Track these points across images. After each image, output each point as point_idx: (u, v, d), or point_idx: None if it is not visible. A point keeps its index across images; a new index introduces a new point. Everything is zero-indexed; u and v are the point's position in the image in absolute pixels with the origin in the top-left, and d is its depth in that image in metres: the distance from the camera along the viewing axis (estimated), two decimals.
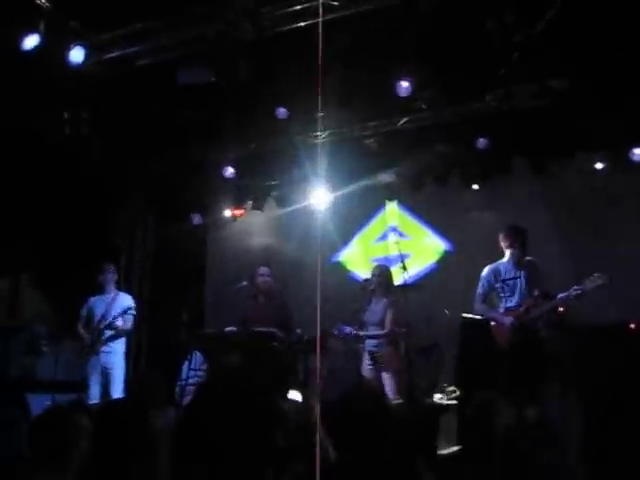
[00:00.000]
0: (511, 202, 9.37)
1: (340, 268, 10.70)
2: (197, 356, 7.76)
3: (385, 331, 6.97)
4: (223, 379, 2.78)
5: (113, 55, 7.95)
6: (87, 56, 7.65)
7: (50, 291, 9.80)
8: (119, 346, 7.79)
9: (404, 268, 7.96)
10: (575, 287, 5.90)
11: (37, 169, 8.75)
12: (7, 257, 9.30)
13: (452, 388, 7.58)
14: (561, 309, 7.54)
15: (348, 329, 7.34)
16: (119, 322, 7.68)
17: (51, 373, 7.78)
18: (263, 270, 7.68)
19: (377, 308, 7.08)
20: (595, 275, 5.89)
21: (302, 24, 7.27)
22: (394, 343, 6.97)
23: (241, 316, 7.57)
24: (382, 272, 7.16)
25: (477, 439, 3.56)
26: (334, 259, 10.72)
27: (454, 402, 7.30)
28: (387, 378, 6.79)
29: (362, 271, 10.26)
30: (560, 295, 6.04)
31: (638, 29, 6.79)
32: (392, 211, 10.48)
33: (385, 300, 7.06)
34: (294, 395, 6.89)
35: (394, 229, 8.64)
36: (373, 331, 7.05)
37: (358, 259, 10.76)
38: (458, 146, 9.60)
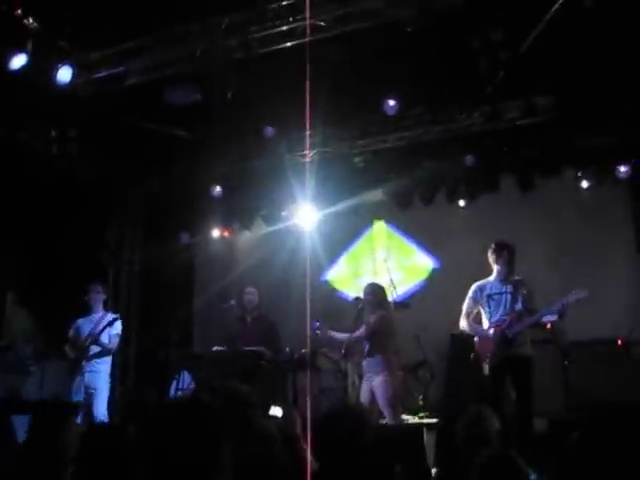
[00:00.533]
0: (499, 219, 9.40)
1: (328, 287, 10.69)
2: (185, 375, 7.72)
3: (355, 334, 6.85)
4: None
5: (101, 75, 7.98)
6: (75, 75, 7.66)
7: (36, 310, 9.73)
8: (104, 366, 7.70)
9: (393, 287, 8.00)
10: (558, 301, 5.93)
11: (24, 187, 8.72)
12: None
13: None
14: (549, 326, 7.58)
15: (317, 324, 7.30)
16: (104, 338, 7.60)
17: (37, 393, 7.70)
18: (249, 290, 7.67)
19: (365, 325, 7.04)
20: (576, 290, 5.93)
21: (289, 44, 7.33)
22: (389, 368, 6.87)
23: (229, 335, 7.54)
24: (373, 290, 7.13)
25: (469, 457, 3.55)
26: (322, 278, 10.70)
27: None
28: (382, 401, 6.71)
29: (350, 290, 10.28)
30: (542, 310, 6.07)
31: (623, 46, 6.87)
32: (380, 229, 10.48)
33: (373, 316, 7.02)
34: (275, 411, 6.89)
35: (382, 248, 8.63)
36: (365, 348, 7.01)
37: (346, 278, 10.75)
38: (445, 164, 9.65)
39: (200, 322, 10.92)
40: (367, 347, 6.88)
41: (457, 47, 7.15)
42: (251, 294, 7.63)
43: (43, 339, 9.01)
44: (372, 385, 6.74)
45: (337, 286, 10.72)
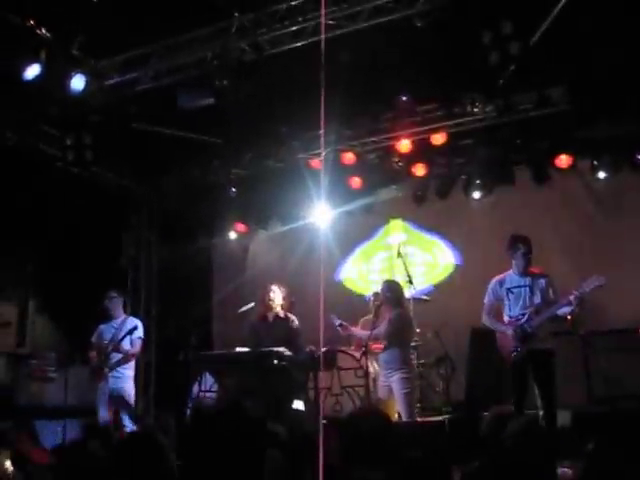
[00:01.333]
0: (515, 211, 9.37)
1: (344, 285, 10.69)
2: (207, 377, 7.75)
3: (374, 332, 6.88)
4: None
5: (113, 81, 8.05)
6: (88, 83, 7.74)
7: (58, 317, 9.83)
8: (128, 371, 7.79)
9: (410, 282, 7.98)
10: (573, 291, 5.90)
11: (41, 195, 8.81)
12: (15, 283, 9.35)
13: None
14: (569, 317, 7.55)
15: (337, 321, 7.36)
16: (126, 345, 7.68)
17: (61, 400, 7.77)
18: (273, 287, 7.65)
19: (384, 322, 7.06)
20: (592, 277, 5.90)
21: (299, 44, 7.35)
22: (407, 364, 6.89)
23: (252, 336, 7.55)
24: (390, 287, 7.13)
25: (494, 454, 3.56)
26: (338, 276, 10.71)
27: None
28: (399, 397, 6.73)
29: (361, 289, 10.29)
30: (560, 301, 6.04)
31: (634, 34, 6.83)
32: (395, 226, 10.44)
33: (391, 313, 7.03)
34: (298, 405, 6.92)
35: (399, 244, 8.60)
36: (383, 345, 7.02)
37: (357, 277, 10.74)
38: (460, 158, 9.64)
39: (219, 323, 10.97)
40: (385, 344, 6.89)
41: (468, 41, 7.12)
42: (272, 291, 7.62)
43: (65, 346, 9.10)
44: (390, 381, 6.76)
45: (353, 283, 10.71)
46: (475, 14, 6.90)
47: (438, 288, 9.94)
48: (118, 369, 7.67)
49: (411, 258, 9.11)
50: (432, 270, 10.19)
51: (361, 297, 9.82)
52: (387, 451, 3.03)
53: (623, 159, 8.81)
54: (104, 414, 7.56)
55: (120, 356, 7.65)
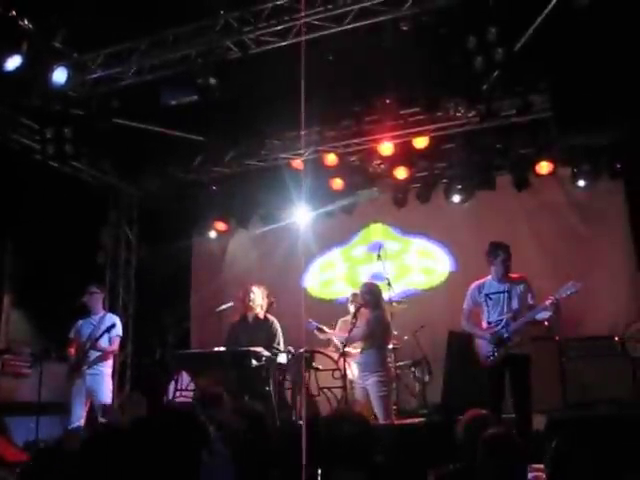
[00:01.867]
0: (495, 217, 9.43)
1: (323, 285, 10.69)
2: (183, 376, 7.70)
3: (352, 334, 6.90)
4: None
5: (96, 75, 7.98)
6: (70, 76, 7.66)
7: (33, 312, 9.71)
8: (106, 368, 7.71)
9: (389, 284, 7.99)
10: (550, 297, 5.95)
11: (19, 188, 8.70)
12: None
13: None
14: (546, 323, 7.60)
15: (314, 324, 7.36)
16: (104, 343, 7.61)
17: (35, 396, 7.68)
18: (253, 288, 7.63)
19: (362, 324, 7.06)
20: (568, 283, 5.95)
21: (284, 43, 7.34)
22: (384, 367, 6.90)
23: (231, 336, 7.52)
24: (369, 289, 7.13)
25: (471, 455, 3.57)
26: (315, 277, 10.69)
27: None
28: (375, 400, 6.73)
29: (345, 288, 10.28)
30: (536, 307, 6.09)
31: (618, 43, 6.89)
32: (377, 229, 10.45)
33: (369, 315, 7.03)
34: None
35: (379, 247, 8.57)
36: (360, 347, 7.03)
37: (341, 276, 10.73)
38: (441, 162, 9.68)
39: (197, 322, 10.92)
40: (362, 346, 6.90)
41: (452, 46, 7.15)
42: (252, 292, 7.59)
43: (40, 341, 8.99)
44: (366, 384, 6.76)
45: (332, 285, 10.69)
46: (460, 19, 6.93)
47: (415, 291, 9.96)
48: (95, 367, 7.59)
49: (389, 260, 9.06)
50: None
51: (332, 302, 9.87)
52: (366, 453, 3.04)
53: (602, 167, 8.90)
54: (79, 412, 7.48)
55: (98, 353, 7.58)
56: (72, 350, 7.68)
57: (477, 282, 6.47)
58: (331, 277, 10.76)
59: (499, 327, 6.12)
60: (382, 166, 9.74)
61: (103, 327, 7.59)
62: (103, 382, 7.63)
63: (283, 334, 7.46)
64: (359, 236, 10.63)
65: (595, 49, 6.94)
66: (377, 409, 6.65)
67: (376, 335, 6.86)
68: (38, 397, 7.28)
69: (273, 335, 7.33)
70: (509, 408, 6.05)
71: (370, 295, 7.01)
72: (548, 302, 5.95)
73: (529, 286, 6.23)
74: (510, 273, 6.29)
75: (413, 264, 10.23)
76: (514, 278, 6.27)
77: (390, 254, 9.25)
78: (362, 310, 7.02)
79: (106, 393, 7.65)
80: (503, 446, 3.25)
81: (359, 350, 6.98)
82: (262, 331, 7.37)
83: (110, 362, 7.81)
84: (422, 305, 9.30)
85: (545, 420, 6.17)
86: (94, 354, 7.56)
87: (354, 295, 8.16)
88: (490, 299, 6.26)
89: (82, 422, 7.37)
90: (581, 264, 8.71)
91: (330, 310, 8.99)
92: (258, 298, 7.52)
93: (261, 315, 7.52)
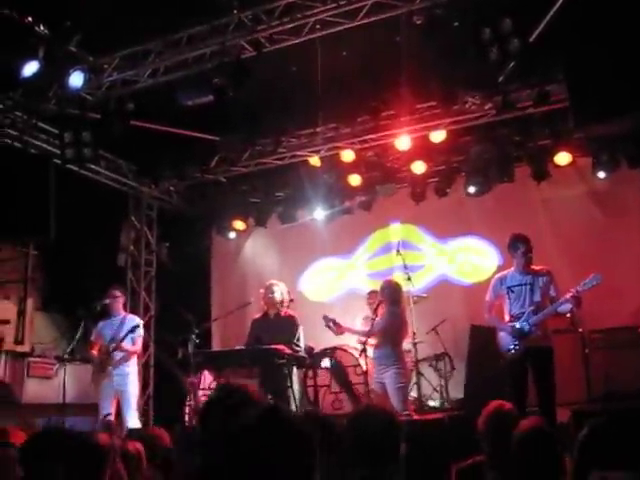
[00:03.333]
0: (513, 209, 9.36)
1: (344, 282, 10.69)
2: (206, 375, 7.74)
3: (370, 330, 6.94)
4: None
5: (112, 78, 8.04)
6: (86, 80, 7.73)
7: (57, 315, 9.82)
8: (131, 368, 7.84)
9: (409, 279, 7.98)
10: (571, 290, 5.91)
11: (39, 191, 8.76)
12: (13, 281, 9.32)
13: None
14: (568, 315, 7.54)
15: (330, 321, 7.33)
16: (127, 344, 7.71)
17: (59, 397, 7.76)
18: (272, 287, 7.64)
19: (381, 319, 7.08)
20: (590, 276, 5.90)
21: (298, 41, 7.33)
22: (401, 361, 6.92)
23: (252, 333, 7.55)
24: (389, 286, 7.15)
25: (494, 448, 3.56)
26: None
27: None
28: (393, 392, 6.75)
29: (362, 285, 10.27)
30: (558, 300, 6.04)
31: (635, 30, 6.79)
32: (397, 227, 10.36)
33: (389, 311, 7.05)
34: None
35: (400, 244, 8.50)
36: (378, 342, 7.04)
37: (358, 273, 10.71)
38: (459, 155, 9.62)
39: (218, 321, 10.95)
40: (379, 340, 6.92)
41: (466, 38, 7.10)
42: (271, 291, 7.60)
43: (64, 344, 9.08)
44: (383, 377, 6.80)
45: (350, 281, 10.66)
46: (474, 11, 6.88)
47: (437, 285, 9.90)
48: (121, 367, 7.71)
49: (410, 257, 9.01)
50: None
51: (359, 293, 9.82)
52: (394, 449, 3.03)
53: (621, 156, 8.80)
54: (107, 409, 7.57)
55: (122, 354, 7.69)
56: (94, 352, 7.80)
57: (500, 274, 6.46)
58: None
59: (521, 320, 6.09)
60: (399, 161, 9.71)
61: (125, 328, 7.68)
62: (130, 382, 7.75)
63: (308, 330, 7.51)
64: (377, 233, 10.56)
65: (611, 36, 6.85)
66: (395, 400, 6.67)
67: (393, 330, 6.90)
68: (63, 399, 7.37)
69: (294, 331, 7.34)
70: (533, 401, 6.00)
71: (389, 290, 7.04)
72: (569, 295, 5.91)
73: (552, 278, 6.19)
74: (532, 265, 6.26)
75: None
76: (537, 270, 6.24)
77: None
78: (382, 306, 7.04)
79: (133, 392, 7.78)
80: (539, 438, 3.23)
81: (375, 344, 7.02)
82: (283, 327, 7.37)
83: (135, 361, 7.97)
84: (443, 299, 9.26)
85: (569, 413, 6.13)
86: (118, 355, 7.66)
87: (371, 293, 8.18)
88: (512, 292, 6.24)
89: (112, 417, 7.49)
90: (602, 255, 8.61)
91: (351, 306, 9.02)
92: (279, 295, 7.53)
93: (282, 312, 7.53)
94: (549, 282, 6.16)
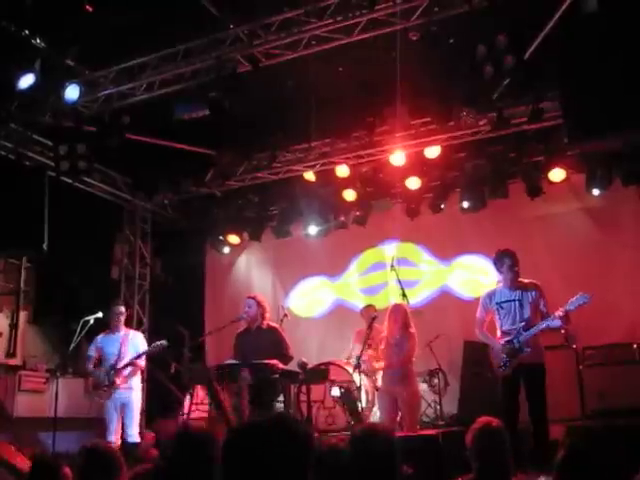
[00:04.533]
0: (508, 225, 9.38)
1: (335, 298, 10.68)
2: (199, 390, 7.70)
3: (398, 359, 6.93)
4: None
5: (107, 92, 8.05)
6: (82, 93, 7.74)
7: (49, 328, 9.76)
8: (136, 382, 7.78)
9: (404, 295, 7.96)
10: (560, 308, 5.90)
11: (34, 204, 8.74)
12: (6, 293, 9.28)
13: None
14: (562, 331, 7.54)
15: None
16: (142, 360, 7.70)
17: (51, 411, 7.70)
18: (247, 300, 7.58)
19: (400, 339, 7.04)
20: (577, 295, 5.88)
21: (294, 56, 7.37)
22: (415, 380, 6.92)
23: (237, 347, 7.48)
24: (399, 308, 7.09)
25: (481, 465, 3.54)
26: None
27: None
28: (408, 410, 6.73)
29: (354, 300, 10.27)
30: (547, 317, 6.02)
31: (629, 48, 6.84)
32: (392, 245, 10.34)
33: (410, 333, 7.03)
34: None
35: (394, 259, 8.48)
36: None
37: (351, 289, 10.70)
38: (453, 171, 9.65)
39: (211, 336, 10.89)
40: (394, 359, 6.86)
41: (462, 55, 7.15)
42: (248, 305, 7.54)
43: (56, 357, 9.03)
44: (397, 396, 6.74)
45: (344, 297, 10.65)
46: (469, 28, 6.93)
47: (431, 301, 9.91)
48: (129, 381, 7.67)
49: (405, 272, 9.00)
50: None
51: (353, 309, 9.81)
52: (394, 467, 3.02)
53: (616, 174, 8.83)
54: (115, 427, 7.50)
55: (130, 369, 7.64)
56: (91, 366, 7.71)
57: (488, 290, 6.44)
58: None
59: (511, 337, 6.07)
60: (394, 177, 9.72)
61: (130, 344, 7.66)
62: (134, 398, 7.69)
63: (296, 345, 7.46)
64: (371, 249, 10.56)
65: (606, 54, 6.90)
66: (408, 417, 6.64)
67: (412, 352, 6.89)
68: (55, 412, 7.31)
69: (279, 342, 7.23)
70: (525, 417, 5.98)
71: (401, 314, 6.96)
72: (557, 314, 5.90)
73: (541, 293, 6.16)
74: (520, 278, 6.24)
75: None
76: (526, 284, 6.20)
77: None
78: (390, 326, 6.98)
79: (136, 406, 7.73)
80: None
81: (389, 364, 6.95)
82: (265, 339, 7.28)
83: (139, 376, 7.89)
84: (437, 315, 9.26)
85: (564, 429, 6.11)
86: (126, 370, 7.60)
87: (366, 307, 8.16)
88: (502, 308, 6.21)
89: (117, 437, 7.42)
90: (596, 271, 8.63)
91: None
92: (254, 308, 7.43)
93: (264, 325, 7.44)
94: (538, 297, 6.13)
